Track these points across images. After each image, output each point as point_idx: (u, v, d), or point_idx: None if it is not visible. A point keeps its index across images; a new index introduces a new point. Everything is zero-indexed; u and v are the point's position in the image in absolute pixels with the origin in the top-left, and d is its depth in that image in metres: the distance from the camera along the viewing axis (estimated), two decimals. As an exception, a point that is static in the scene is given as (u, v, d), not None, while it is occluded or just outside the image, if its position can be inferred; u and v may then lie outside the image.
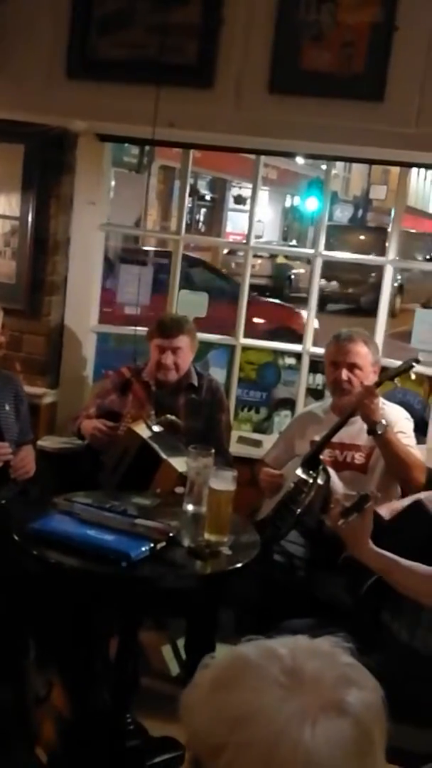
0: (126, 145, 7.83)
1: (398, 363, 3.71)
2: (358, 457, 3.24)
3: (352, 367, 3.23)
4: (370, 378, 3.22)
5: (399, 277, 14.10)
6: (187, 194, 4.27)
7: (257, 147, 3.88)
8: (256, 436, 4.28)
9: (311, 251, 4.30)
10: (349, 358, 3.23)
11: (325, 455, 3.17)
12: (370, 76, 3.22)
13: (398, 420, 3.23)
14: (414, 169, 4.38)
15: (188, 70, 3.34)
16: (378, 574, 2.32)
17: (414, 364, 3.10)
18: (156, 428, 3.22)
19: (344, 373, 3.22)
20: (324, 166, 4.33)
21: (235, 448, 3.91)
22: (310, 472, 3.02)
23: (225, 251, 19.42)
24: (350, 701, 0.80)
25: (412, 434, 3.30)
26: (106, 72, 3.44)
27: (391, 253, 4.05)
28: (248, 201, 4.41)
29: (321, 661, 0.82)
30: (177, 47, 3.35)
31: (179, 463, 2.99)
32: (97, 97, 3.46)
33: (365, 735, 0.79)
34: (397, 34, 3.17)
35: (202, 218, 25.72)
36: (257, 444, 4.12)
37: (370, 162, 6.59)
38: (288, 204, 29.88)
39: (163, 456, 3.09)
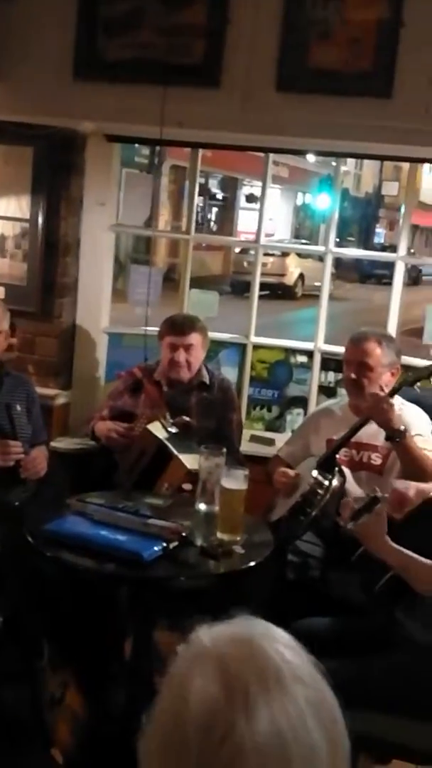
0: (136, 145, 7.87)
1: (413, 360, 3.71)
2: (375, 458, 3.18)
3: (361, 366, 3.15)
4: (384, 379, 3.15)
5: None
6: (196, 193, 4.28)
7: (265, 145, 3.88)
8: (269, 434, 4.27)
9: (322, 249, 4.30)
10: (359, 357, 3.16)
11: (341, 454, 3.13)
12: (378, 73, 3.21)
13: (417, 422, 3.14)
14: (425, 165, 4.36)
15: (195, 70, 3.34)
16: (395, 571, 2.30)
17: None
18: (172, 429, 3.23)
19: (352, 373, 3.17)
20: (334, 163, 4.33)
21: (248, 447, 3.92)
22: (326, 473, 2.99)
23: (237, 250, 19.44)
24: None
25: (431, 437, 3.25)
26: (114, 73, 3.44)
27: (402, 249, 4.04)
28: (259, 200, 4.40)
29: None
30: (184, 47, 3.35)
31: (188, 460, 2.99)
32: (104, 98, 3.47)
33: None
34: (404, 30, 3.15)
35: (213, 217, 25.74)
36: (270, 442, 4.11)
37: (379, 158, 6.59)
38: (299, 202, 29.83)
39: (174, 452, 3.09)
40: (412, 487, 2.68)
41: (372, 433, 3.12)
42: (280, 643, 0.84)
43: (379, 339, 3.21)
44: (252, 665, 0.80)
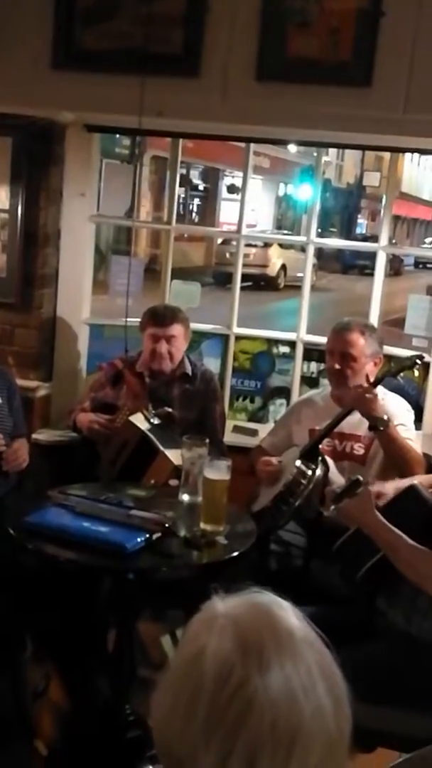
0: (117, 136, 7.82)
1: (395, 350, 3.72)
2: (358, 448, 3.21)
3: (345, 356, 3.17)
4: (367, 369, 3.17)
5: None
6: (177, 184, 4.26)
7: (246, 135, 3.86)
8: (252, 425, 4.27)
9: (304, 239, 4.30)
10: (342, 347, 3.18)
11: (324, 444, 3.14)
12: (357, 62, 3.20)
13: (399, 411, 3.17)
14: (408, 156, 4.38)
15: (174, 60, 3.32)
16: (383, 550, 2.30)
17: (418, 361, 3.03)
18: (154, 420, 3.22)
19: (336, 364, 3.19)
20: (315, 154, 4.32)
21: (231, 438, 3.91)
22: (309, 463, 3.00)
23: (219, 241, 19.42)
24: None
25: (413, 426, 3.26)
26: (92, 63, 3.41)
27: (383, 239, 4.05)
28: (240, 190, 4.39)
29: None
30: (162, 37, 3.33)
31: (175, 456, 2.99)
32: (83, 88, 3.44)
33: None
34: (384, 20, 3.15)
35: (195, 209, 25.69)
36: (253, 433, 4.11)
37: (360, 148, 6.60)
38: (281, 192, 29.83)
39: (160, 447, 3.08)
40: (388, 484, 2.72)
41: (355, 423, 3.13)
42: (290, 611, 0.91)
43: (362, 329, 3.22)
44: (266, 627, 0.86)
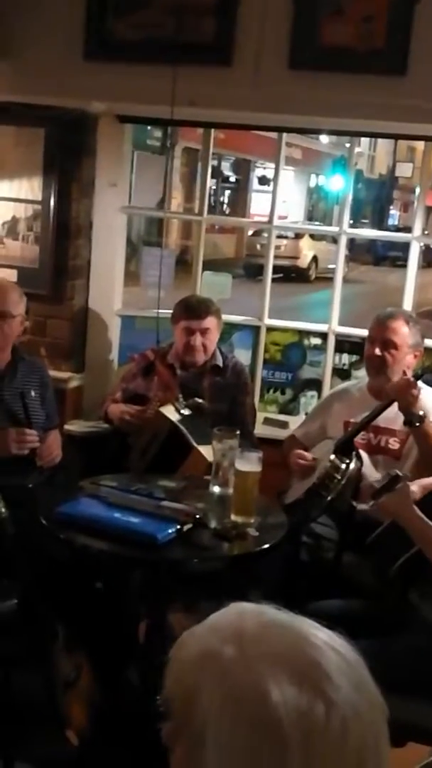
0: (149, 128, 7.84)
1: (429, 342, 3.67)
2: (393, 443, 3.16)
3: (387, 344, 3.13)
4: (408, 360, 3.13)
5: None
6: (208, 175, 4.25)
7: (278, 124, 3.83)
8: (283, 417, 4.25)
9: (336, 229, 4.26)
10: (385, 334, 3.14)
11: (358, 438, 3.11)
12: (391, 50, 3.16)
13: None
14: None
15: (206, 49, 3.30)
16: (420, 545, 2.28)
17: None
18: (185, 411, 3.21)
19: (377, 350, 3.14)
20: (347, 144, 4.28)
21: (262, 430, 3.90)
22: (344, 457, 2.97)
23: (250, 233, 19.36)
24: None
25: None
26: (124, 53, 3.41)
27: (417, 229, 4.00)
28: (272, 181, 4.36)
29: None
30: (194, 26, 3.31)
31: (209, 452, 2.97)
32: (115, 79, 3.43)
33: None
34: (419, 7, 3.10)
35: (226, 200, 25.63)
36: (284, 425, 4.09)
37: (394, 137, 6.51)
38: (313, 184, 29.66)
39: (194, 444, 3.07)
40: (415, 484, 2.68)
41: (390, 417, 3.08)
42: (324, 633, 0.85)
43: (407, 318, 3.20)
44: (303, 651, 0.81)
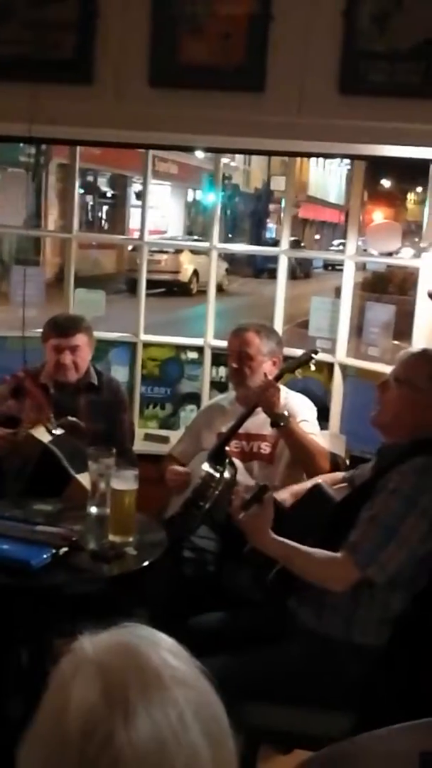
0: (21, 144, 7.69)
1: (300, 352, 3.77)
2: (265, 447, 3.27)
3: (242, 355, 3.28)
4: (265, 368, 3.26)
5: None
6: (76, 191, 4.22)
7: (143, 141, 3.84)
8: (163, 432, 4.26)
9: (206, 244, 4.31)
10: (239, 347, 3.30)
11: (231, 446, 3.19)
12: (250, 67, 3.20)
13: (301, 409, 3.27)
14: (313, 160, 4.43)
15: (66, 66, 3.27)
16: (281, 563, 2.33)
17: (313, 355, 3.14)
18: (56, 431, 3.16)
19: (234, 363, 3.30)
20: (223, 160, 4.34)
21: (142, 446, 3.89)
22: (217, 466, 3.02)
23: (130, 248, 19.32)
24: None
25: (316, 422, 3.34)
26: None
27: (284, 243, 4.09)
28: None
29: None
30: (54, 42, 3.27)
31: (88, 480, 2.93)
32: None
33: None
34: (274, 24, 3.17)
35: (104, 216, 25.52)
36: (164, 440, 4.10)
37: (256, 153, 6.65)
38: (190, 198, 29.90)
39: (72, 473, 3.02)
40: (285, 491, 2.76)
41: (260, 423, 3.20)
42: (162, 648, 0.83)
43: (257, 329, 3.34)
44: (132, 670, 0.79)
